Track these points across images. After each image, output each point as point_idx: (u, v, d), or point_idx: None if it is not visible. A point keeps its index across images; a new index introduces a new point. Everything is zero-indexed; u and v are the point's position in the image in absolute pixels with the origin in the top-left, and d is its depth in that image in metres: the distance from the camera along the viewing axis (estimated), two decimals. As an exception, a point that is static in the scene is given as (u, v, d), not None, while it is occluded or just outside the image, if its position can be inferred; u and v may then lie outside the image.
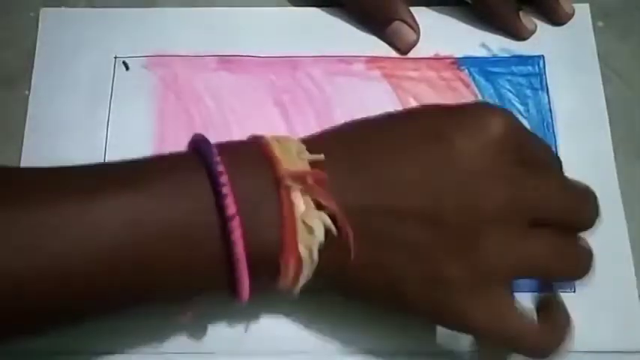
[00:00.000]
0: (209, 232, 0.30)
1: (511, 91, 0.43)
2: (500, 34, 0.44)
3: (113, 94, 0.42)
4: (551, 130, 0.42)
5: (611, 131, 0.42)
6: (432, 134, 0.32)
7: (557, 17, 0.44)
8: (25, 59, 0.43)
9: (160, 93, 0.43)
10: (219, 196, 0.30)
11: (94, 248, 0.28)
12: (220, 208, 0.30)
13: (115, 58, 0.43)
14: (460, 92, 0.43)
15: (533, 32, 0.44)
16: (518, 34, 0.44)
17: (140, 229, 0.29)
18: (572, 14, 0.44)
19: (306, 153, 0.32)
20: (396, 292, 0.32)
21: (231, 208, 0.29)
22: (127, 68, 0.43)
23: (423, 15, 0.44)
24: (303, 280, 0.31)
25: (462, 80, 0.43)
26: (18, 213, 0.28)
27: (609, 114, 0.42)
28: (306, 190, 0.31)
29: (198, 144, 0.32)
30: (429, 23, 0.44)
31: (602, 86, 0.43)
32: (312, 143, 0.33)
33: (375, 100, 0.42)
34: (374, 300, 0.33)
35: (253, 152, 0.32)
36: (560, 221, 0.33)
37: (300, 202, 0.30)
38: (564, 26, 0.44)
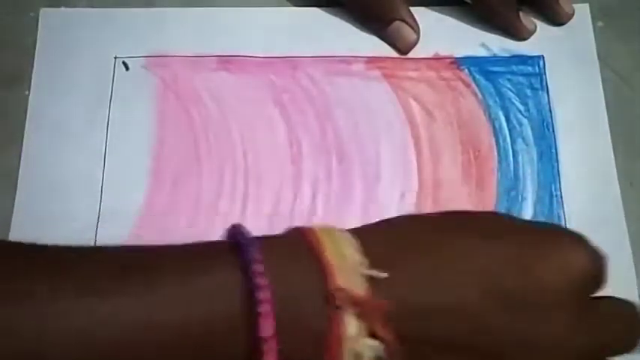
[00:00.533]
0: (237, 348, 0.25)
1: (511, 91, 0.43)
2: (500, 34, 0.44)
3: (113, 94, 0.42)
4: (551, 130, 0.42)
5: (611, 131, 0.42)
6: (517, 265, 0.28)
7: (557, 17, 0.44)
8: (25, 59, 0.43)
9: (159, 93, 0.43)
10: (254, 307, 0.25)
11: (98, 349, 0.24)
12: (254, 322, 0.25)
13: (115, 58, 0.43)
14: (460, 92, 0.43)
15: (533, 32, 0.44)
16: (518, 34, 0.44)
17: (151, 335, 0.25)
18: (572, 14, 0.44)
19: (365, 265, 0.26)
20: None
21: (267, 329, 0.25)
22: (127, 68, 0.43)
23: (423, 15, 0.44)
24: None
25: (462, 80, 0.43)
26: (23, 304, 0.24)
27: (609, 114, 0.42)
28: (360, 316, 0.26)
29: (236, 238, 0.27)
30: (429, 23, 0.44)
31: (602, 86, 0.43)
32: (369, 243, 0.27)
33: (375, 100, 0.42)
34: None
35: (302, 255, 0.26)
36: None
37: (352, 326, 0.26)
38: (564, 26, 0.44)
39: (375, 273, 0.26)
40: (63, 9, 0.45)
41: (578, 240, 0.29)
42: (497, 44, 0.44)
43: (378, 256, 0.27)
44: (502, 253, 0.28)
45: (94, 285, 0.25)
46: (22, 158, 0.41)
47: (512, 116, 0.42)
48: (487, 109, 0.42)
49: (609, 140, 0.41)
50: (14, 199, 0.40)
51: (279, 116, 0.42)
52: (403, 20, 0.43)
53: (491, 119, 0.42)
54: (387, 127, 0.42)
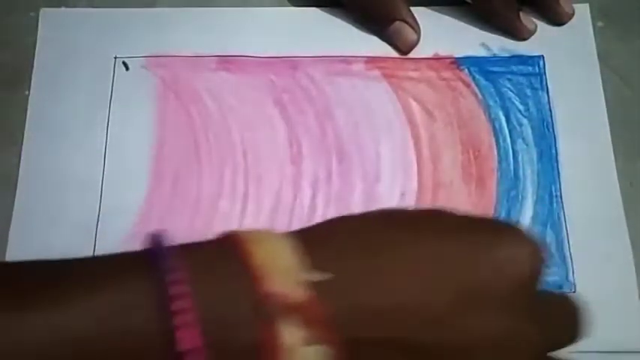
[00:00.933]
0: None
1: (512, 90, 0.43)
2: (500, 34, 0.44)
3: (113, 94, 0.42)
4: (551, 130, 0.42)
5: (611, 131, 0.42)
6: (464, 262, 0.27)
7: (557, 17, 0.44)
8: (25, 59, 0.43)
9: (159, 93, 0.43)
10: (170, 319, 0.23)
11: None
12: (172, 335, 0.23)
13: (115, 58, 0.43)
14: (460, 92, 0.43)
15: (533, 32, 0.44)
16: (518, 34, 0.44)
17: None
18: (572, 14, 0.44)
19: (305, 267, 0.24)
20: None
21: (189, 341, 0.22)
22: (127, 68, 0.43)
23: (423, 15, 0.44)
24: None
25: (462, 80, 0.43)
26: None
27: (609, 114, 0.42)
28: (301, 322, 0.24)
29: (153, 243, 0.25)
30: (429, 23, 0.44)
31: (602, 86, 0.43)
32: (311, 244, 0.25)
33: (375, 100, 0.42)
34: None
35: (228, 260, 0.24)
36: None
37: (289, 335, 0.23)
38: (564, 26, 0.44)
39: (315, 276, 0.24)
40: (63, 9, 0.45)
41: (518, 233, 0.28)
42: (497, 44, 0.44)
43: (320, 258, 0.25)
44: (449, 250, 0.26)
45: (4, 300, 0.23)
46: (22, 158, 0.41)
47: (512, 116, 0.42)
48: (487, 109, 0.42)
49: (609, 140, 0.41)
50: (14, 199, 0.40)
51: (279, 116, 0.42)
52: (404, 20, 0.43)
53: (492, 119, 0.42)
54: (387, 127, 0.42)
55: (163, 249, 0.24)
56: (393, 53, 0.44)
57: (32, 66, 0.43)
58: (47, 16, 0.44)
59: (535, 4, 0.44)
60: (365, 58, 0.44)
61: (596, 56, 0.44)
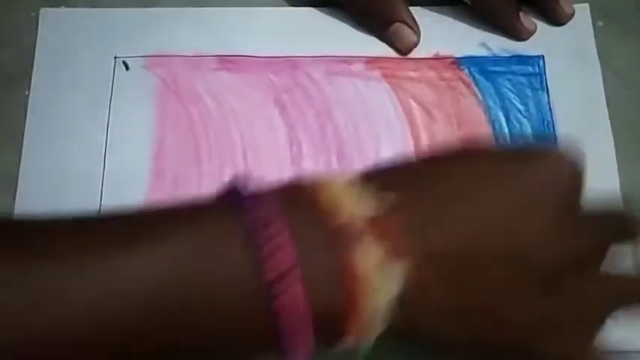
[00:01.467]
0: (258, 288, 0.25)
1: (512, 91, 0.43)
2: (500, 34, 0.44)
3: (113, 94, 0.42)
4: (551, 130, 0.42)
5: (611, 131, 0.42)
6: (514, 177, 0.29)
7: (557, 17, 0.44)
8: (25, 59, 0.43)
9: (159, 93, 0.43)
10: (264, 247, 0.25)
11: (109, 313, 0.24)
12: (270, 265, 0.25)
13: (115, 58, 0.43)
14: (460, 92, 0.43)
15: (533, 32, 0.44)
16: (518, 34, 0.44)
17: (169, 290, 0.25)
18: (572, 14, 0.44)
19: (369, 192, 0.27)
20: (486, 337, 0.28)
21: (288, 258, 0.25)
22: (127, 68, 0.43)
23: (423, 15, 0.44)
24: (370, 339, 0.27)
25: (462, 80, 0.43)
26: (27, 266, 0.24)
27: (609, 114, 0.42)
28: (374, 239, 0.26)
29: (234, 186, 0.27)
30: (429, 23, 0.44)
31: (602, 86, 0.43)
32: (371, 178, 0.28)
33: (375, 100, 0.42)
34: (456, 352, 0.29)
35: (302, 195, 0.27)
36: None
37: (368, 254, 0.25)
38: (564, 26, 0.44)
39: (381, 195, 0.26)
40: (63, 9, 0.45)
41: (554, 154, 0.31)
42: (498, 44, 0.44)
43: (384, 183, 0.27)
44: (499, 170, 0.29)
45: (116, 242, 0.25)
46: (22, 158, 0.41)
47: (512, 116, 0.42)
48: (487, 109, 0.42)
49: (611, 140, 0.41)
50: (14, 199, 0.40)
51: (279, 116, 0.42)
52: (403, 22, 0.43)
53: (492, 119, 0.42)
54: (387, 127, 0.42)
55: (243, 191, 0.26)
56: (393, 53, 0.44)
57: (32, 66, 0.43)
58: (47, 16, 0.44)
59: (535, 4, 0.44)
60: (365, 58, 0.44)
61: (596, 56, 0.44)
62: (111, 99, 0.42)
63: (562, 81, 0.43)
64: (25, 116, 0.42)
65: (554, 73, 0.43)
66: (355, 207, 0.26)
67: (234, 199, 0.26)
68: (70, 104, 0.42)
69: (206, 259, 0.25)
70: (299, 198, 0.27)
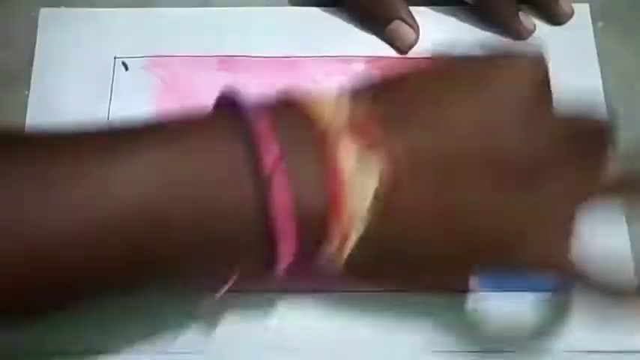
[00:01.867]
0: (245, 183, 0.27)
1: (511, 91, 0.43)
2: (499, 34, 0.44)
3: (113, 95, 0.42)
4: (551, 130, 0.42)
5: (611, 131, 0.42)
6: (481, 80, 0.31)
7: (556, 17, 0.44)
8: (25, 59, 0.43)
9: (159, 93, 0.43)
10: (256, 146, 0.27)
11: (109, 211, 0.26)
12: (258, 158, 0.27)
13: (115, 58, 0.43)
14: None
15: (532, 32, 0.44)
16: (517, 34, 0.44)
17: (165, 190, 0.27)
18: (572, 14, 0.44)
19: (347, 99, 0.30)
20: (465, 239, 0.29)
21: (272, 154, 0.27)
22: (127, 68, 0.43)
23: (423, 15, 0.44)
24: (351, 243, 0.28)
25: (461, 80, 0.43)
26: (29, 169, 0.26)
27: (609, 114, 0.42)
28: (352, 136, 0.28)
29: (226, 97, 0.30)
30: (429, 23, 0.44)
31: (602, 86, 0.43)
32: (349, 91, 0.30)
33: (375, 100, 0.42)
34: (433, 257, 0.30)
35: (290, 103, 0.29)
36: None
37: (347, 151, 0.28)
38: (564, 26, 0.44)
39: (358, 100, 0.29)
40: (63, 9, 0.45)
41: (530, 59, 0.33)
42: (497, 44, 0.44)
43: (364, 92, 0.30)
44: (469, 70, 0.32)
45: (105, 149, 0.27)
46: (21, 158, 0.41)
47: (512, 116, 0.42)
48: (487, 109, 0.42)
49: (610, 140, 0.41)
50: (14, 199, 0.40)
51: (279, 116, 0.42)
52: (402, 19, 0.43)
53: (491, 119, 0.42)
54: (386, 127, 0.42)
55: (240, 99, 0.29)
56: (393, 53, 0.44)
57: (32, 66, 0.43)
58: (47, 16, 0.44)
59: (534, 4, 0.44)
60: (365, 58, 0.44)
61: (596, 56, 0.44)
62: (110, 99, 0.42)
63: (562, 81, 0.43)
64: (25, 116, 0.42)
65: (554, 73, 0.43)
66: (337, 113, 0.28)
67: (224, 106, 0.29)
68: (70, 104, 0.42)
69: (194, 160, 0.27)
70: (287, 106, 0.29)
